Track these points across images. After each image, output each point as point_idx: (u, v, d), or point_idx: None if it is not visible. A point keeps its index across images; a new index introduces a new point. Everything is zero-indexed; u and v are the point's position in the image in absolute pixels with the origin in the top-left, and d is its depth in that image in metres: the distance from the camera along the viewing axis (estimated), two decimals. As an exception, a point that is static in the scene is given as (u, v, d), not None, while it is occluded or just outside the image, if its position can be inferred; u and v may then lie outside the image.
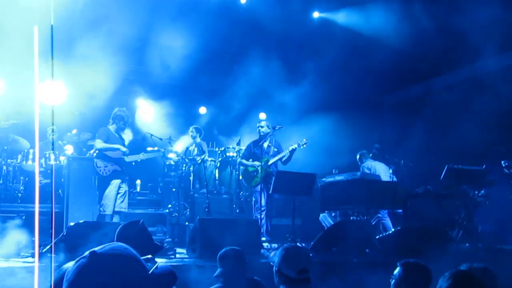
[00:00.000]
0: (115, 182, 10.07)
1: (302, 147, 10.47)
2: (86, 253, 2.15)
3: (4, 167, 11.68)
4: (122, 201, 10.20)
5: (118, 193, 10.13)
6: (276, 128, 10.85)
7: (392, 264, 4.97)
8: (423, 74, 14.12)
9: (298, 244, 9.23)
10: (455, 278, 3.34)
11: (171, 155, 12.64)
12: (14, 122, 9.21)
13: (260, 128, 11.04)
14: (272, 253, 9.19)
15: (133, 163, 10.61)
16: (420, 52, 12.50)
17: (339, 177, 11.29)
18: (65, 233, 7.04)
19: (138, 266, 2.23)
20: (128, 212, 11.06)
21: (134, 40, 13.83)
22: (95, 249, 2.18)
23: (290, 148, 10.56)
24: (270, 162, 10.69)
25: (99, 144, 10.25)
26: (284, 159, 10.65)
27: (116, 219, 10.04)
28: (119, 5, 12.39)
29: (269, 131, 10.93)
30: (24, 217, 10.17)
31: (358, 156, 12.48)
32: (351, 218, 10.96)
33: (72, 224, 7.25)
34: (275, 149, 10.87)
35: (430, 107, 13.61)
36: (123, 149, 10.15)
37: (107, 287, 2.10)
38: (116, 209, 10.09)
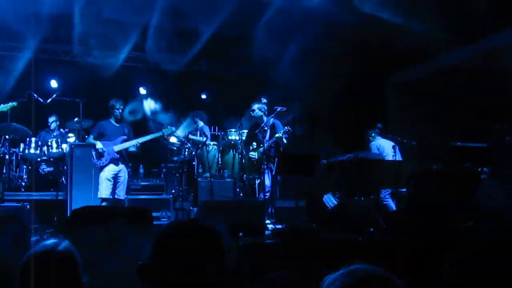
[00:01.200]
0: (111, 167, 10.18)
1: (285, 134, 10.48)
2: None
3: (7, 156, 11.70)
4: (122, 189, 10.31)
5: (118, 180, 10.25)
6: (278, 110, 10.82)
7: (396, 242, 4.97)
8: (424, 54, 13.99)
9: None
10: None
11: (172, 140, 12.65)
12: (13, 105, 9.18)
13: (251, 112, 11.17)
14: None
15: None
16: (420, 31, 12.39)
17: (342, 158, 11.28)
18: (68, 218, 7.04)
19: None
20: (132, 197, 11.11)
21: (133, 26, 13.86)
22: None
23: (275, 136, 10.57)
24: (264, 148, 10.66)
25: (88, 139, 10.56)
26: (277, 145, 10.65)
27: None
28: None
29: (261, 114, 11.00)
30: (28, 206, 10.26)
31: (367, 135, 12.38)
32: (355, 197, 10.93)
33: (74, 209, 7.26)
34: (271, 132, 10.82)
35: (433, 86, 13.54)
36: (98, 145, 10.15)
37: None
38: (116, 196, 10.20)
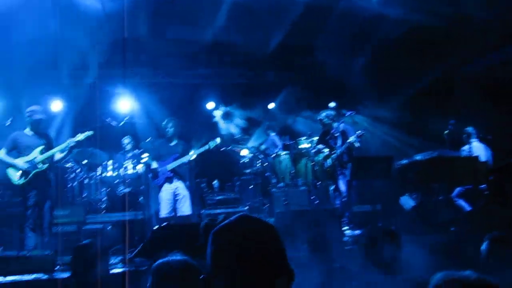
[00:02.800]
0: (167, 187, 10.37)
1: (358, 139, 10.25)
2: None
3: (86, 180, 12.06)
4: (183, 205, 10.36)
5: (177, 198, 10.35)
6: (347, 115, 10.71)
7: (480, 240, 4.86)
8: (495, 44, 13.50)
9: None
10: None
11: (244, 152, 12.76)
12: (89, 134, 9.45)
13: (320, 120, 10.96)
14: None
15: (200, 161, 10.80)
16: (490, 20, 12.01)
17: (416, 158, 11.09)
18: (149, 237, 7.19)
19: None
20: (209, 212, 11.23)
21: (197, 43, 14.06)
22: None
23: (347, 142, 10.33)
24: (336, 154, 10.52)
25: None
26: (350, 150, 10.48)
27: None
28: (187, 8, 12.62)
29: (329, 121, 10.80)
30: (109, 227, 10.56)
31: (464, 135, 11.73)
32: (433, 197, 10.69)
33: (155, 228, 7.41)
34: (342, 138, 10.65)
35: (505, 76, 13.10)
36: (153, 165, 10.52)
37: None
38: (179, 214, 10.30)
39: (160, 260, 3.26)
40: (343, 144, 10.46)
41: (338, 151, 10.44)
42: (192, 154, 10.49)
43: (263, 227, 2.29)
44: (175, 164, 10.42)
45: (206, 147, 10.60)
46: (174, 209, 10.29)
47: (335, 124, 10.76)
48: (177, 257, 3.37)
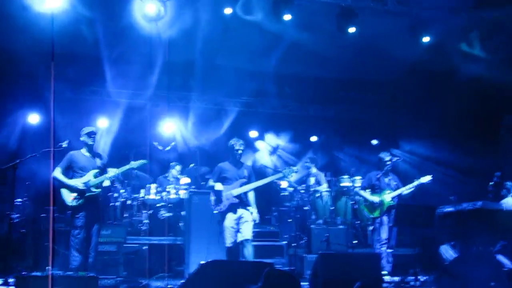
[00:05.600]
0: (231, 215, 9.46)
1: (427, 183, 10.29)
2: None
3: (129, 201, 12.24)
4: (246, 228, 9.42)
5: (239, 223, 9.44)
6: (394, 160, 10.67)
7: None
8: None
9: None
10: None
11: (284, 185, 12.85)
12: (144, 163, 9.54)
13: (386, 161, 10.54)
14: None
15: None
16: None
17: (458, 207, 11.04)
18: (196, 271, 7.26)
19: None
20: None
21: (246, 72, 14.25)
22: None
23: (416, 183, 10.28)
24: (393, 195, 10.35)
25: (208, 184, 9.97)
26: (405, 193, 10.45)
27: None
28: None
29: (390, 163, 10.59)
30: (144, 248, 10.78)
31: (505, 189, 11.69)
32: (473, 248, 10.61)
33: (203, 262, 7.48)
34: (394, 183, 10.61)
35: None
36: (218, 187, 9.49)
37: None
38: (239, 239, 9.38)
39: None
40: (398, 187, 10.48)
41: (391, 194, 10.40)
42: (262, 181, 9.65)
43: None
44: (243, 190, 9.51)
45: (280, 174, 9.93)
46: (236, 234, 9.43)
47: (388, 165, 10.67)
48: None
